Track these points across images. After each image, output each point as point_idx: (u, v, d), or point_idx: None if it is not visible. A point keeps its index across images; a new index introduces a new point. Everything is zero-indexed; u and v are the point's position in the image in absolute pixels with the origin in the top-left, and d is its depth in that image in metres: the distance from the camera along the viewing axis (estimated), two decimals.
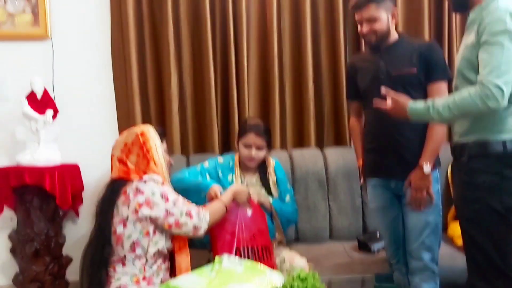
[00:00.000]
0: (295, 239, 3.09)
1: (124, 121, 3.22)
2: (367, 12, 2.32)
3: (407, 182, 2.30)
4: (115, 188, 2.08)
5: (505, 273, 1.92)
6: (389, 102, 2.03)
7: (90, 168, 3.15)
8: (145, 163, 2.09)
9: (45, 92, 2.98)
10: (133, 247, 2.03)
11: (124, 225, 2.02)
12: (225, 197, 2.27)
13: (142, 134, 2.12)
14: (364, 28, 2.36)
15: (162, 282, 2.07)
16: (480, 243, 1.93)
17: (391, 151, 2.37)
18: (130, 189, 2.03)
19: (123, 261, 2.04)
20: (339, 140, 3.39)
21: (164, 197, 2.03)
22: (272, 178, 2.68)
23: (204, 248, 2.48)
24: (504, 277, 1.92)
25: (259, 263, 2.14)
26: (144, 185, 2.02)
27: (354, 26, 3.29)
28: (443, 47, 3.31)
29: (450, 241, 2.96)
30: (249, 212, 2.39)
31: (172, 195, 2.06)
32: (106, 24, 3.22)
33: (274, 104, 3.30)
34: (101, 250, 2.04)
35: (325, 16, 3.34)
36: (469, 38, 1.90)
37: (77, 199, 3.05)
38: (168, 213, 2.02)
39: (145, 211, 2.00)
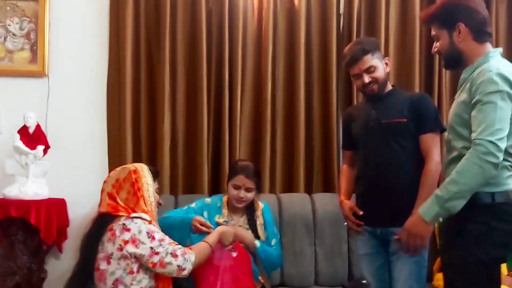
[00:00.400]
0: (280, 284, 3.06)
1: (115, 159, 3.24)
2: (365, 63, 2.37)
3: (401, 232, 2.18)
4: (101, 223, 2.08)
5: None
6: (403, 237, 2.04)
7: (77, 204, 3.15)
8: (134, 201, 2.10)
9: (38, 127, 3.02)
10: (115, 284, 2.01)
11: (108, 261, 2.01)
12: (211, 238, 2.27)
13: (135, 171, 2.14)
14: (365, 79, 2.38)
15: None
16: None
17: (378, 198, 2.36)
18: (116, 225, 2.03)
19: None
20: (327, 187, 3.41)
21: (150, 236, 2.02)
22: (259, 221, 2.68)
23: None
24: None
25: None
26: (131, 222, 2.02)
27: (346, 78, 3.40)
28: (433, 100, 3.39)
29: None
30: (234, 254, 2.38)
31: (159, 234, 2.06)
32: (103, 63, 3.30)
33: (265, 149, 3.34)
34: (83, 285, 2.02)
35: (318, 66, 3.44)
36: (462, 96, 1.97)
37: (62, 235, 3.04)
38: (153, 252, 2.01)
39: (130, 248, 1.99)
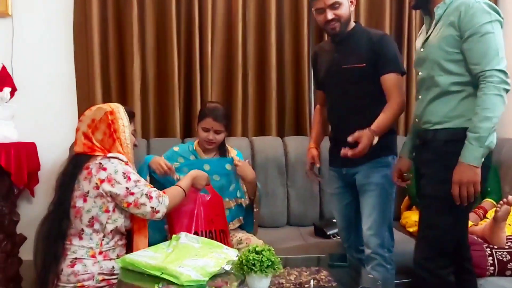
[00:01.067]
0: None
1: (84, 101, 3.18)
2: None
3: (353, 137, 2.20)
4: (77, 163, 2.06)
5: (449, 256, 2.00)
6: (455, 190, 1.92)
7: (47, 148, 3.11)
8: (110, 142, 2.08)
9: (3, 69, 2.92)
10: (91, 222, 2.02)
11: (85, 200, 2.01)
12: (184, 182, 2.26)
13: (112, 112, 2.10)
14: (328, 15, 2.30)
15: (118, 257, 2.06)
16: (437, 221, 1.98)
17: (343, 141, 2.28)
18: (93, 164, 2.02)
19: (80, 235, 2.03)
20: (299, 130, 3.45)
21: (126, 176, 2.02)
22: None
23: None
24: (447, 259, 1.99)
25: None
26: (108, 162, 2.02)
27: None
28: (403, 40, 3.43)
29: (403, 228, 3.07)
30: (207, 197, 2.41)
31: (134, 175, 2.06)
32: (69, 3, 3.18)
33: (236, 92, 3.33)
34: (59, 223, 2.03)
35: (289, 8, 3.39)
36: (444, 31, 1.95)
37: (33, 179, 3.01)
38: (128, 191, 2.02)
39: (106, 187, 2.00)
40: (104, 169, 2.00)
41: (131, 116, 2.20)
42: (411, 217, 3.06)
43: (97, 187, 2.00)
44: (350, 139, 2.16)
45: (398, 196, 3.24)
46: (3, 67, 2.92)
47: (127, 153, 2.11)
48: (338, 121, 2.46)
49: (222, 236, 2.37)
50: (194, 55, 3.24)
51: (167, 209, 2.09)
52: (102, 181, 2.00)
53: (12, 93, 2.90)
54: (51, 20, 3.18)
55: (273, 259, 1.69)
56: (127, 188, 2.01)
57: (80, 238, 2.03)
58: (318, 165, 2.51)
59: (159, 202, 2.06)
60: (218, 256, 1.95)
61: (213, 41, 3.29)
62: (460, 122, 1.94)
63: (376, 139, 2.19)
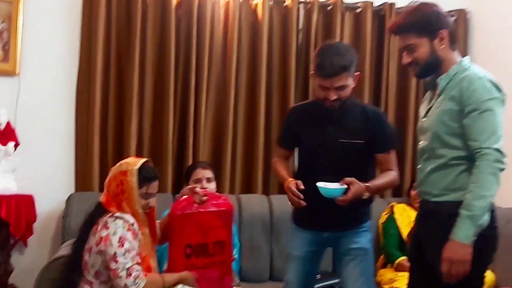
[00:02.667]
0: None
1: (82, 157, 3.38)
2: (339, 81, 2.25)
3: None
4: (95, 215, 2.17)
5: None
6: (445, 268, 1.89)
7: (43, 200, 3.24)
8: (118, 201, 2.15)
9: (8, 124, 3.09)
10: (98, 275, 2.11)
11: (89, 254, 2.11)
12: (170, 277, 2.19)
13: (124, 173, 2.15)
14: (332, 95, 2.27)
15: None
16: None
17: (330, 207, 2.26)
18: (102, 220, 2.12)
19: (91, 284, 2.11)
20: (283, 189, 3.62)
21: (121, 242, 2.05)
22: None
23: None
24: None
25: None
26: (113, 221, 2.09)
27: (303, 86, 3.69)
28: (381, 105, 3.73)
29: (378, 285, 3.25)
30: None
31: (129, 244, 2.06)
32: (74, 64, 3.41)
33: (226, 152, 3.56)
34: (70, 273, 2.14)
35: (278, 76, 3.69)
36: (446, 104, 1.96)
37: (28, 230, 3.12)
38: (114, 257, 2.04)
39: (102, 246, 2.07)
40: (107, 228, 2.08)
41: (150, 178, 2.20)
42: (386, 275, 3.25)
43: (98, 244, 2.08)
44: (342, 182, 2.19)
45: (374, 255, 3.45)
46: (8, 123, 3.09)
47: (136, 213, 2.14)
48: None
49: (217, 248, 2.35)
50: (188, 116, 3.48)
51: None
52: (101, 239, 2.07)
53: (15, 147, 3.06)
54: (56, 79, 3.40)
55: None
56: (115, 253, 2.04)
57: (91, 286, 2.11)
58: (302, 187, 2.28)
59: (135, 283, 2.03)
60: None
61: (207, 104, 3.55)
62: (461, 195, 1.91)
63: (366, 195, 2.23)
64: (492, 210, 1.94)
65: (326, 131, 2.39)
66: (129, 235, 2.08)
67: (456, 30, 2.12)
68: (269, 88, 3.67)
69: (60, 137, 3.40)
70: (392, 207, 3.47)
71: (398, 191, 3.65)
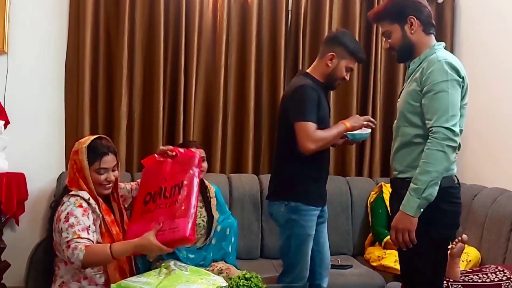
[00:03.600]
0: None
1: (72, 135, 3.36)
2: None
3: None
4: (61, 195, 2.20)
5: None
6: (392, 235, 2.08)
7: (35, 178, 3.24)
8: (76, 180, 2.16)
9: None
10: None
11: (55, 233, 2.12)
12: (121, 246, 2.05)
13: (76, 153, 2.17)
14: (348, 76, 2.62)
15: (105, 282, 2.15)
16: (422, 271, 2.09)
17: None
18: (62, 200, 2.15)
19: (65, 261, 2.10)
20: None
21: (67, 217, 2.04)
22: (213, 202, 2.88)
23: None
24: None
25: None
26: (68, 199, 2.10)
27: (293, 68, 3.71)
28: (369, 92, 3.79)
29: (367, 263, 3.33)
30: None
31: (75, 219, 2.04)
32: (62, 42, 3.39)
33: (216, 132, 3.58)
34: (48, 252, 2.18)
35: (268, 58, 3.70)
36: (411, 85, 2.10)
37: (20, 208, 3.11)
38: (59, 231, 2.05)
39: (56, 222, 2.10)
40: (62, 204, 2.10)
41: (100, 153, 2.16)
42: (375, 253, 3.33)
43: (56, 222, 2.10)
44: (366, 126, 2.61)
45: (363, 233, 3.55)
46: None
47: (92, 191, 2.15)
48: (328, 161, 2.75)
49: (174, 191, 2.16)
50: (178, 98, 3.49)
51: (82, 264, 1.99)
52: (57, 215, 2.10)
53: (5, 126, 3.05)
54: (45, 58, 3.38)
55: (260, 285, 1.90)
56: (61, 229, 2.04)
57: (65, 264, 2.11)
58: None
59: (73, 254, 1.98)
60: (207, 282, 2.14)
61: (197, 85, 3.56)
62: None
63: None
64: (454, 187, 2.08)
65: (329, 108, 2.66)
66: (78, 210, 2.07)
67: (431, 15, 2.17)
68: (259, 68, 3.69)
69: (50, 116, 3.39)
70: (381, 186, 3.54)
71: (388, 172, 3.72)
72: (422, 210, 1.99)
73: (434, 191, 1.97)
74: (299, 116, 2.45)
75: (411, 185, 1.99)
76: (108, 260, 2.05)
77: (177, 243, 2.10)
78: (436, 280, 2.14)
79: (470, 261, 2.96)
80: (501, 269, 2.65)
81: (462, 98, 2.06)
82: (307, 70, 2.67)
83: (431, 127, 2.00)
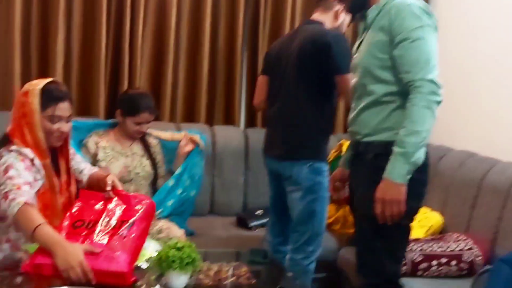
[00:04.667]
0: None
1: (2, 78, 2.97)
2: None
3: None
4: (0, 145, 1.87)
5: (386, 277, 1.89)
6: (378, 208, 1.78)
7: None
8: (20, 127, 1.87)
9: None
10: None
11: None
12: (48, 234, 1.67)
13: (25, 94, 1.87)
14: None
15: None
16: (372, 241, 1.86)
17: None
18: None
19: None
20: (228, 119, 3.43)
21: (5, 170, 1.78)
22: (154, 150, 2.68)
23: None
24: (383, 278, 1.89)
25: None
26: (7, 153, 1.82)
27: (254, 8, 3.35)
28: None
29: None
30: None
31: (15, 171, 1.78)
32: None
33: (166, 76, 3.23)
34: None
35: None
36: (375, 36, 1.84)
37: None
38: None
39: None
40: (1, 158, 1.81)
41: (56, 98, 1.88)
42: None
43: None
44: None
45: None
46: None
47: (38, 140, 1.86)
48: None
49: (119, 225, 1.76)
50: (123, 35, 3.11)
51: (13, 217, 1.73)
52: None
53: None
54: None
55: (193, 256, 1.65)
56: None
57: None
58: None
59: (9, 206, 1.72)
60: None
61: (145, 22, 3.17)
62: (391, 135, 1.79)
63: None
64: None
65: None
66: (19, 164, 1.80)
67: None
68: (215, 5, 3.31)
69: None
70: (341, 145, 3.27)
71: None
72: (410, 175, 1.74)
73: (422, 153, 1.74)
74: (345, 68, 2.25)
75: (398, 149, 1.72)
76: (27, 235, 1.74)
77: (109, 276, 1.62)
78: (386, 260, 1.87)
79: (431, 225, 2.77)
80: (465, 238, 2.47)
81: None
82: (319, 21, 2.46)
83: (411, 80, 1.73)
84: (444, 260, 2.37)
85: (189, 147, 2.67)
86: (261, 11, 3.34)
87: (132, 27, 3.13)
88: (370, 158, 1.84)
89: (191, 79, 3.33)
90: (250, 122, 3.48)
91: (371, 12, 1.88)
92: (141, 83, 3.18)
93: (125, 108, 2.57)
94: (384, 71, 1.82)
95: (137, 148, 2.63)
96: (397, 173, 1.73)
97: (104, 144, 2.56)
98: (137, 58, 3.15)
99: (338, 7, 2.45)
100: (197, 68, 3.31)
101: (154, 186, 2.64)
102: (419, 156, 1.73)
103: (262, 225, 2.94)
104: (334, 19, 2.46)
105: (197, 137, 2.70)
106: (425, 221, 2.69)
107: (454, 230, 2.67)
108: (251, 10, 3.37)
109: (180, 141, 2.69)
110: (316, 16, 2.48)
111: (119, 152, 2.57)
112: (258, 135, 3.22)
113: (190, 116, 3.35)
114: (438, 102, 1.74)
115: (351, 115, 1.96)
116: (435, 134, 3.12)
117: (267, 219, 2.85)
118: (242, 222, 2.97)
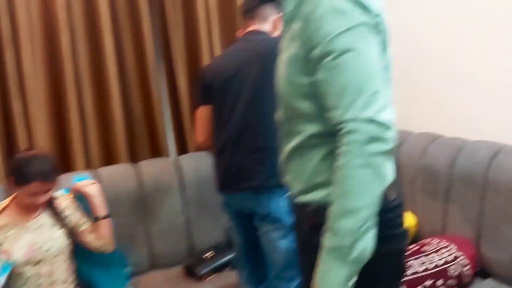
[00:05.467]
0: None
1: None
2: None
3: None
4: None
5: None
6: None
7: None
8: None
9: None
10: None
11: None
12: None
13: None
14: None
15: None
16: None
17: None
18: None
19: None
20: (154, 151, 2.95)
21: None
22: (67, 212, 2.17)
23: None
24: None
25: None
26: None
27: (161, 24, 2.91)
28: None
29: None
30: None
31: None
32: None
33: (69, 115, 2.71)
34: None
35: (125, 7, 2.83)
36: (292, 47, 1.24)
37: None
38: None
39: None
40: None
41: None
42: None
43: None
44: None
45: None
46: None
47: None
48: None
49: None
50: (7, 77, 2.57)
51: None
52: None
53: None
54: None
55: None
56: None
57: None
58: None
59: None
60: None
61: (35, 57, 2.63)
62: (325, 194, 1.21)
63: None
64: (391, 209, 1.23)
65: None
66: None
67: None
68: (115, 24, 2.80)
69: None
70: None
71: None
72: (355, 278, 1.14)
73: (369, 242, 1.13)
74: None
75: (327, 239, 1.13)
76: None
77: None
78: None
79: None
80: (445, 245, 2.11)
81: (383, 50, 1.20)
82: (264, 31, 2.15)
83: (339, 122, 1.13)
84: (429, 282, 2.04)
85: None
86: (168, 15, 2.88)
87: (18, 64, 2.59)
88: (307, 231, 1.29)
89: (101, 112, 2.82)
90: (181, 149, 3.01)
91: (289, 4, 1.25)
92: (41, 129, 2.66)
93: (14, 177, 2.06)
94: (304, 102, 1.23)
95: (45, 217, 2.12)
96: (331, 281, 1.12)
97: (4, 221, 2.05)
98: (31, 103, 2.62)
99: (276, 15, 2.12)
100: (106, 98, 2.81)
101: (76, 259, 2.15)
102: (365, 247, 1.12)
103: (214, 270, 2.51)
104: (273, 29, 2.14)
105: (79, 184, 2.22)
106: None
107: (429, 231, 2.32)
108: (157, 15, 2.89)
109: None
110: (256, 27, 2.15)
111: (22, 228, 2.07)
112: (193, 161, 2.81)
113: (107, 158, 2.85)
114: (385, 152, 1.12)
115: (281, 156, 1.40)
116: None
117: (221, 260, 2.54)
118: (190, 272, 2.52)
